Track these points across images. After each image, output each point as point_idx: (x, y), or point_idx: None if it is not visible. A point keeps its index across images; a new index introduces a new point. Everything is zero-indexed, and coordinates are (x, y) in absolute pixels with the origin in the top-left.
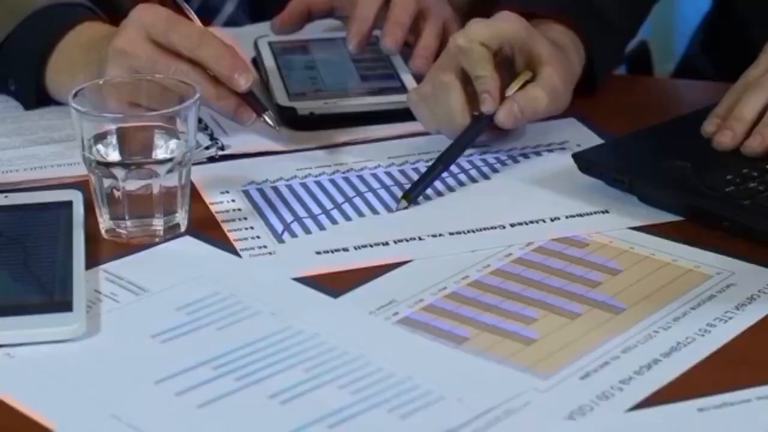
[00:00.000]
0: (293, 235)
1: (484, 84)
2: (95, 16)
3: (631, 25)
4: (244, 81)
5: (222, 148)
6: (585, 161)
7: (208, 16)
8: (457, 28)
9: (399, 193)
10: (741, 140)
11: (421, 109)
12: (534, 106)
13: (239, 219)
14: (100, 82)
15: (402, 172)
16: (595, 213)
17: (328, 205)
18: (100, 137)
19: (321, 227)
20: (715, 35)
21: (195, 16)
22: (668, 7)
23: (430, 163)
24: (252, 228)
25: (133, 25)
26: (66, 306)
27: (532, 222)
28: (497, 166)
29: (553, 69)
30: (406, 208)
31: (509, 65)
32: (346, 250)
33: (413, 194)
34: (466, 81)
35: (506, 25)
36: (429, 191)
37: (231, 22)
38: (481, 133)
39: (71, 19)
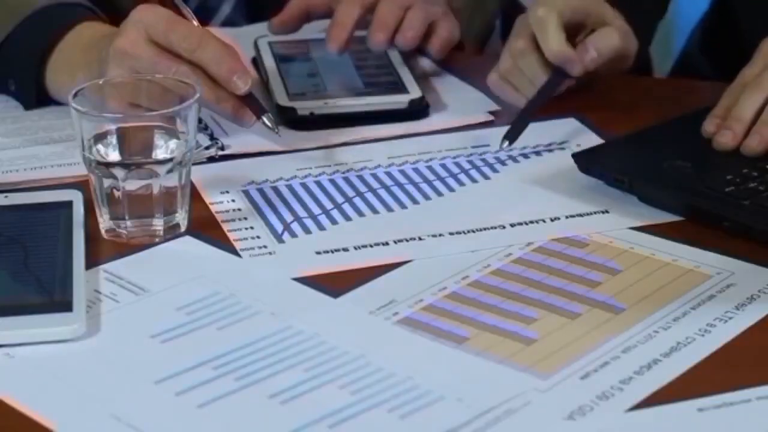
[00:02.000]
0: (293, 235)
1: (562, 55)
2: (95, 16)
3: (658, 6)
4: (242, 84)
5: (222, 148)
6: (585, 161)
7: (205, 16)
8: (449, 24)
9: (399, 193)
10: (741, 140)
11: (504, 84)
12: (608, 43)
13: (239, 219)
14: (100, 82)
15: (402, 172)
16: (595, 213)
17: (328, 205)
18: (100, 137)
19: (321, 227)
20: (713, 34)
21: (194, 17)
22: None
23: (430, 163)
24: (252, 228)
25: (134, 25)
26: (66, 306)
27: (532, 222)
28: (497, 166)
29: (621, 21)
30: (509, 147)
31: (580, 27)
32: (346, 250)
33: (512, 135)
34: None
35: None
36: (429, 191)
37: (228, 23)
38: (560, 84)
39: (71, 19)
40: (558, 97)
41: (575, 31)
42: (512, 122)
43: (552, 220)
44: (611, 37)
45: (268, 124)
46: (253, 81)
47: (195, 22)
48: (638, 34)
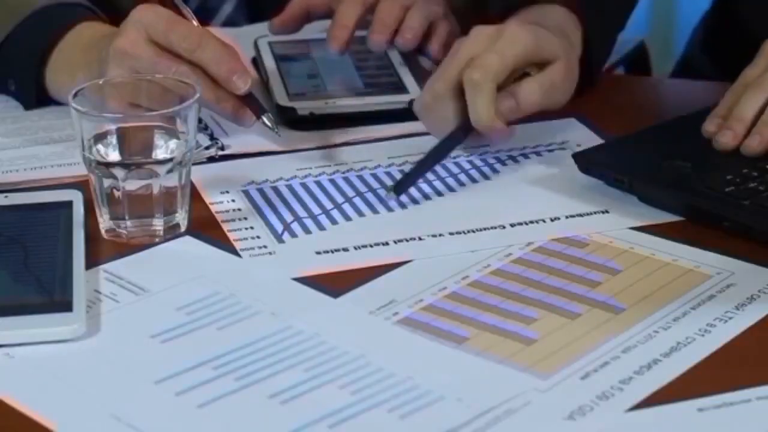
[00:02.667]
0: (293, 235)
1: (490, 126)
2: (95, 16)
3: (621, 14)
4: (242, 84)
5: (222, 148)
6: (585, 161)
7: (206, 16)
8: (448, 25)
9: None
10: (742, 140)
11: (423, 116)
12: (530, 99)
13: (239, 219)
14: (100, 82)
15: (402, 172)
16: (595, 213)
17: (328, 205)
18: (100, 137)
19: (321, 227)
20: (715, 34)
21: (194, 17)
22: (667, 7)
23: None
24: (252, 228)
25: (134, 25)
26: (66, 306)
27: (532, 222)
28: (497, 166)
29: (559, 65)
30: (395, 197)
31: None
32: (346, 250)
33: (401, 187)
34: (462, 93)
35: (516, 49)
36: (429, 191)
37: (229, 23)
38: (468, 133)
39: (71, 19)
40: None
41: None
42: (404, 175)
43: (552, 220)
44: (533, 93)
45: (268, 124)
46: (253, 81)
47: (195, 22)
48: (604, 41)
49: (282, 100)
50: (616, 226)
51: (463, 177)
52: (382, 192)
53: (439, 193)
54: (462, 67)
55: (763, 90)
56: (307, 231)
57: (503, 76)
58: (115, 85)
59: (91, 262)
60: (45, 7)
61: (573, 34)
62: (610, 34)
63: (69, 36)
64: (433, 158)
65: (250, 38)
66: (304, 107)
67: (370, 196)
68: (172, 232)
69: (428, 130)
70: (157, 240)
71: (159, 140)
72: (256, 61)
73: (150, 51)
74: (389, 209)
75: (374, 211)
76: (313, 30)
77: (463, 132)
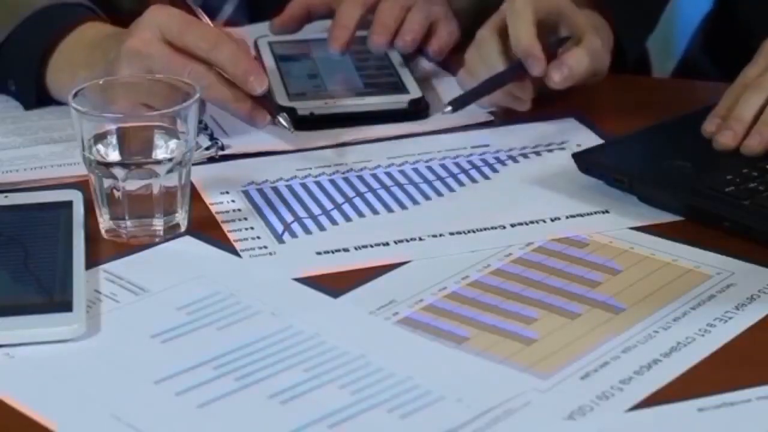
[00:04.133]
0: (293, 235)
1: (528, 49)
2: (97, 16)
3: (654, 13)
4: (258, 85)
5: (222, 148)
6: (585, 161)
7: (207, 16)
8: (449, 25)
9: (399, 194)
10: (741, 140)
11: (466, 76)
12: (581, 65)
13: (239, 219)
14: (101, 82)
15: (402, 172)
16: (595, 213)
17: (328, 205)
18: (100, 137)
19: (321, 227)
20: (715, 35)
21: (206, 17)
22: (668, 7)
23: (430, 164)
24: (252, 228)
25: (147, 25)
26: (66, 306)
27: (532, 222)
28: (497, 166)
29: (593, 33)
30: (452, 112)
31: (551, 32)
32: (346, 250)
33: (457, 103)
34: (505, 37)
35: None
36: (429, 191)
37: (229, 23)
38: (516, 77)
39: (73, 18)
40: (558, 97)
41: (545, 34)
42: (462, 93)
43: (552, 220)
44: (583, 60)
45: (284, 123)
46: (268, 82)
47: (207, 22)
48: (635, 39)
49: (282, 100)
50: (616, 226)
51: (463, 177)
52: (382, 192)
53: (439, 193)
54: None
55: (763, 90)
56: (307, 231)
57: (543, 12)
58: (125, 85)
59: (91, 262)
60: (46, 6)
61: (603, 27)
62: (640, 28)
63: (71, 36)
64: (490, 84)
65: (251, 38)
66: (304, 107)
67: (370, 196)
68: (172, 232)
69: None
70: (157, 240)
71: (159, 140)
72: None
73: (164, 50)
74: (389, 209)
75: (374, 211)
76: (313, 30)
77: (515, 70)
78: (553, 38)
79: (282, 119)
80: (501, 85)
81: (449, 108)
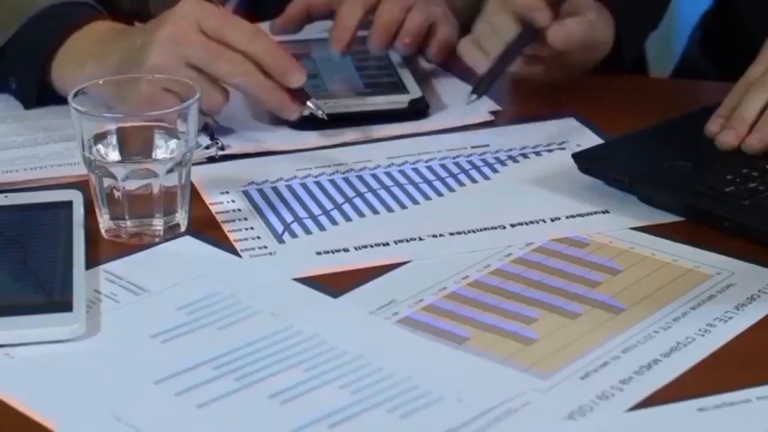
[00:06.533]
0: (293, 235)
1: (532, 3)
2: (103, 14)
3: (655, 13)
4: (296, 79)
5: (222, 148)
6: (585, 161)
7: None
8: (448, 26)
9: (399, 193)
10: (744, 139)
11: (473, 49)
12: (580, 28)
13: (239, 219)
14: (100, 82)
15: (402, 172)
16: (595, 213)
17: (328, 205)
18: (100, 137)
19: (321, 227)
20: (714, 34)
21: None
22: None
23: (430, 164)
24: (252, 228)
25: (183, 17)
26: (66, 306)
27: (532, 222)
28: (497, 166)
29: (591, 9)
30: (474, 100)
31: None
32: (346, 250)
33: (480, 89)
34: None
35: None
36: (429, 191)
37: None
38: (528, 41)
39: (81, 17)
40: (558, 97)
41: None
42: (481, 76)
43: (552, 220)
44: (583, 22)
45: (312, 107)
46: (306, 77)
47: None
48: (634, 36)
49: None
50: (616, 226)
51: (463, 177)
52: (382, 192)
53: (439, 193)
54: None
55: (766, 89)
56: (307, 231)
57: None
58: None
59: (91, 262)
60: (51, 6)
61: (600, 7)
62: (640, 27)
63: (79, 32)
64: (505, 58)
65: None
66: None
67: (370, 196)
68: (172, 232)
69: (474, 64)
70: (157, 240)
71: (159, 140)
72: None
73: (202, 39)
74: (389, 209)
75: (374, 211)
76: (313, 30)
77: (525, 34)
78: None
79: (312, 104)
80: (516, 56)
81: (474, 96)
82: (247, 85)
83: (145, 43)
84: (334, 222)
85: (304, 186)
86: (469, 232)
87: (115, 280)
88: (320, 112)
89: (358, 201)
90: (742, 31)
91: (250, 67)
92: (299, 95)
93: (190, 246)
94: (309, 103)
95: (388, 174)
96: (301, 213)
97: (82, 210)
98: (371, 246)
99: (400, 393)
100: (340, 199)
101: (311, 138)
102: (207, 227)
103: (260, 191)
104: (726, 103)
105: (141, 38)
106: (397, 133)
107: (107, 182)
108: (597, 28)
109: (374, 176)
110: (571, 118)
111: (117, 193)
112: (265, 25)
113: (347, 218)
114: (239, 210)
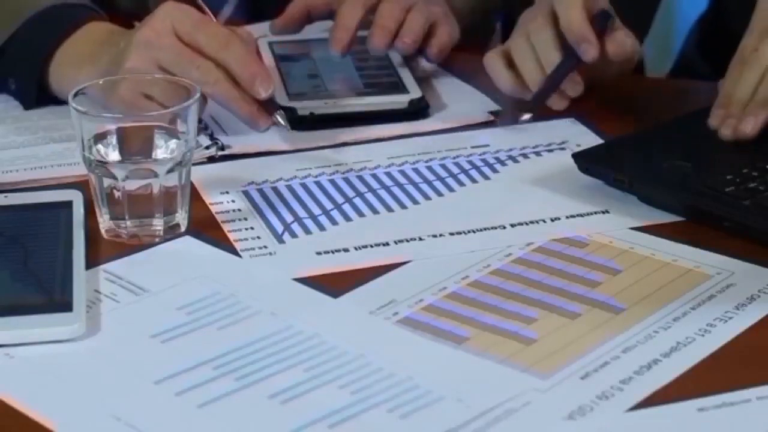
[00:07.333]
0: (293, 235)
1: (583, 34)
2: (100, 16)
3: (645, 18)
4: (263, 90)
5: (222, 148)
6: (585, 161)
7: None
8: (448, 27)
9: (399, 193)
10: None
11: (498, 61)
12: (628, 43)
13: (239, 219)
14: (101, 82)
15: (402, 172)
16: (595, 213)
17: (328, 205)
18: (100, 137)
19: (321, 228)
20: (710, 35)
21: (212, 15)
22: (664, 7)
23: (430, 163)
24: (252, 228)
25: (161, 19)
26: (66, 306)
27: (532, 222)
28: (497, 166)
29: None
30: (531, 117)
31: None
32: (346, 250)
33: (534, 105)
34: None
35: None
36: (429, 191)
37: (229, 23)
38: (573, 67)
39: (79, 18)
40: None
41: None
42: (534, 95)
43: (552, 220)
44: (630, 36)
45: (281, 121)
46: (273, 88)
47: (212, 18)
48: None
49: (282, 100)
50: (616, 226)
51: (463, 177)
52: (382, 192)
53: (439, 193)
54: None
55: (758, 66)
56: (307, 231)
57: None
58: (129, 79)
59: (91, 262)
60: (50, 7)
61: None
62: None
63: (77, 34)
64: (554, 78)
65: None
66: (304, 107)
67: (370, 196)
68: (172, 232)
69: (496, 77)
70: (157, 240)
71: (159, 140)
72: None
73: (175, 43)
74: (389, 209)
75: (374, 211)
76: (313, 30)
77: (570, 60)
78: (597, 13)
79: (279, 117)
80: (564, 77)
81: (529, 115)
82: (215, 94)
83: (125, 46)
84: (334, 222)
85: (304, 186)
86: (469, 232)
87: (115, 280)
88: (285, 125)
89: (358, 201)
90: (738, 32)
91: (220, 76)
92: (269, 106)
93: (190, 246)
94: (276, 116)
95: (388, 174)
96: (301, 213)
97: (82, 210)
98: (371, 246)
99: (400, 393)
100: (340, 199)
101: (311, 138)
102: (207, 227)
103: (260, 191)
104: (723, 90)
105: (124, 41)
106: (397, 133)
107: (107, 182)
108: (634, 39)
109: (374, 176)
110: (571, 118)
111: (117, 193)
112: (265, 25)
113: (347, 218)
114: (239, 210)
